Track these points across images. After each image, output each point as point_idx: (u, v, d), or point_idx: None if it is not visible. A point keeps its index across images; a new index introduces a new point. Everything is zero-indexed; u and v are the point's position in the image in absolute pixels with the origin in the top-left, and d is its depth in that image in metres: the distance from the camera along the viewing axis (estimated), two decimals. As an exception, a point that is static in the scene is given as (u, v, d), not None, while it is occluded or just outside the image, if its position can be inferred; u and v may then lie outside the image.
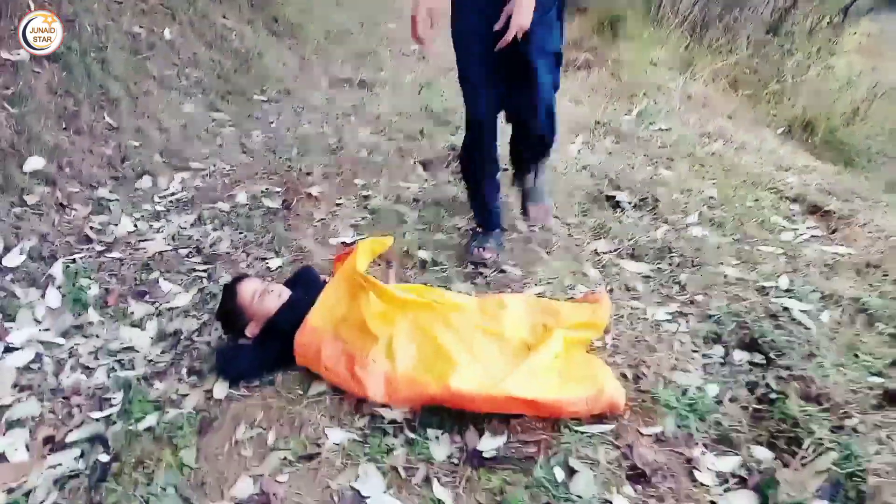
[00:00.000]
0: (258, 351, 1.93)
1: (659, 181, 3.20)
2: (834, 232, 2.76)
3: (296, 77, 4.84)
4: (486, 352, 1.80)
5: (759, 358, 2.08)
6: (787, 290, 2.37)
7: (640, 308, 2.30)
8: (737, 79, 4.83)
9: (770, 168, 3.32)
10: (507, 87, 2.24)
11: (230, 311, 2.00)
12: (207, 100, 3.98)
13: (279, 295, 2.01)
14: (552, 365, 1.76)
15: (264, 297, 1.98)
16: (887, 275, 2.45)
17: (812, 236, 2.74)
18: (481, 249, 2.49)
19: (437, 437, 1.73)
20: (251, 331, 1.99)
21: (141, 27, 3.99)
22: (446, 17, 2.23)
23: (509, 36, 2.00)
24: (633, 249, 2.66)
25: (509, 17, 2.00)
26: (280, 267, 2.49)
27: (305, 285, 2.10)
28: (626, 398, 1.82)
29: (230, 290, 2.03)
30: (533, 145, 2.48)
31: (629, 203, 3.06)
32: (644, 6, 5.27)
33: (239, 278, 2.07)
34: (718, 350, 2.13)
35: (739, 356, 2.09)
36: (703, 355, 2.11)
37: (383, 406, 1.78)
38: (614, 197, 3.10)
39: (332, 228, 2.75)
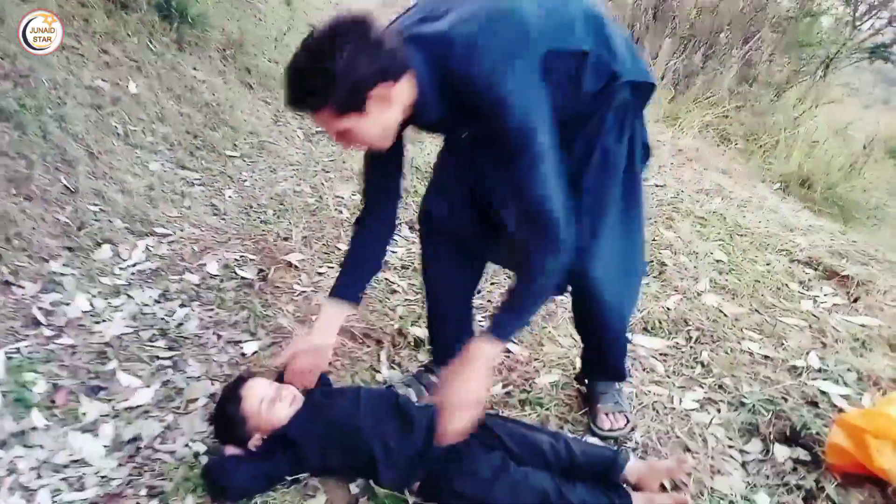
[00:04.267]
0: (265, 464, 1.63)
1: (662, 242, 3.01)
2: (856, 301, 2.59)
3: (270, 131, 4.60)
4: None
5: (802, 454, 1.86)
6: (819, 371, 2.17)
7: (663, 395, 2.07)
8: (726, 131, 4.75)
9: (776, 228, 3.16)
10: None
11: (232, 420, 1.69)
12: (175, 157, 3.71)
13: (291, 401, 1.70)
14: None
15: (275, 404, 1.68)
16: (924, 350, 2.26)
17: (833, 305, 2.56)
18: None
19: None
20: (254, 443, 1.69)
21: (104, 81, 3.72)
22: None
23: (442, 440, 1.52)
24: (646, 322, 2.44)
25: None
26: (256, 352, 2.21)
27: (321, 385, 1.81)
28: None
29: (234, 394, 1.71)
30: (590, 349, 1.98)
31: (633, 267, 2.86)
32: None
33: (244, 379, 1.76)
34: (756, 445, 1.90)
35: (781, 452, 1.87)
36: (741, 451, 1.88)
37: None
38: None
39: (315, 304, 2.48)
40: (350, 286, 1.76)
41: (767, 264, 2.82)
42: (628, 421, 1.90)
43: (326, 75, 1.24)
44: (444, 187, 1.81)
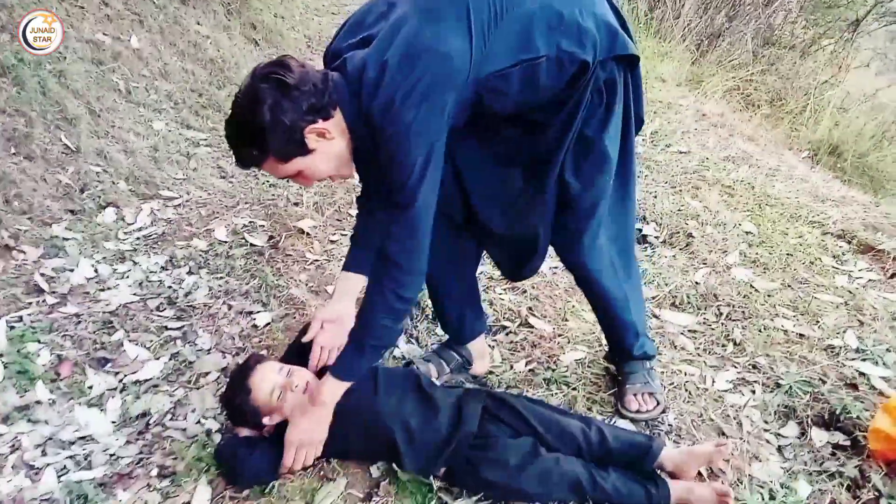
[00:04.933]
0: (280, 451, 1.54)
1: (688, 213, 2.89)
2: (892, 276, 2.47)
3: (277, 89, 4.44)
4: None
5: (841, 438, 1.77)
6: (858, 351, 2.07)
7: (695, 374, 1.98)
8: (751, 96, 4.57)
9: (807, 199, 3.03)
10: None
11: (242, 409, 1.58)
12: (180, 116, 3.57)
13: (305, 387, 1.57)
14: None
15: (287, 392, 1.55)
16: (966, 330, 2.16)
17: (869, 281, 2.45)
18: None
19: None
20: (269, 430, 1.59)
21: (105, 35, 3.56)
22: None
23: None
24: (674, 297, 2.34)
25: None
26: (269, 324, 2.11)
27: None
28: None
29: (243, 384, 1.58)
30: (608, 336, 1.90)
31: (657, 238, 2.75)
32: (644, 19, 4.98)
33: (250, 365, 1.62)
34: (793, 428, 1.82)
35: (819, 437, 1.78)
36: (776, 434, 1.80)
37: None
38: (640, 230, 2.77)
39: (328, 273, 2.38)
40: (362, 260, 1.68)
41: (799, 237, 2.70)
42: (658, 403, 1.81)
43: (256, 129, 1.27)
44: None
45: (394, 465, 1.54)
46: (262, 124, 1.26)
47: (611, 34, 1.37)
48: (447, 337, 1.98)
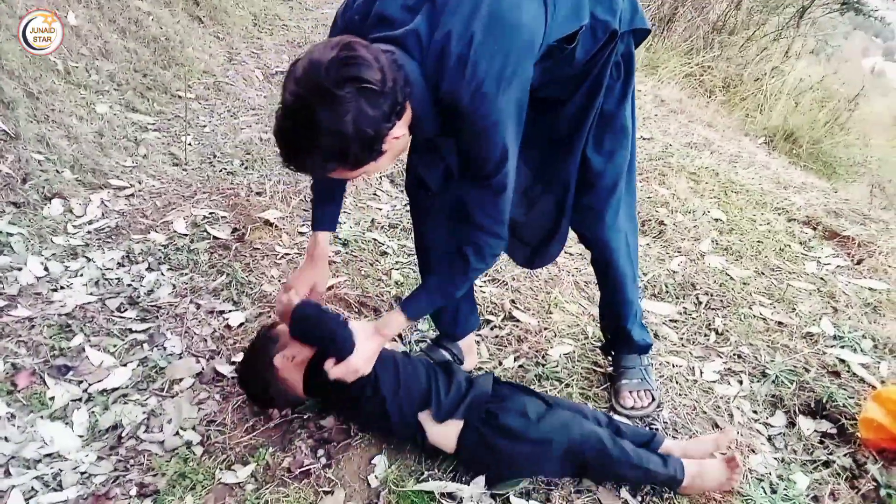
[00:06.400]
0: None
1: (658, 200, 2.89)
2: (859, 263, 2.54)
3: (225, 70, 4.23)
4: None
5: (828, 426, 1.80)
6: (835, 338, 2.11)
7: (683, 365, 1.97)
8: (705, 82, 4.62)
9: (770, 186, 3.09)
10: None
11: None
12: (124, 98, 3.34)
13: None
14: None
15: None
16: (933, 315, 2.24)
17: (837, 267, 2.51)
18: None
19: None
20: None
21: (39, 10, 3.29)
22: None
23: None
24: (653, 286, 2.34)
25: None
26: (244, 324, 1.99)
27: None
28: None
29: (260, 358, 1.58)
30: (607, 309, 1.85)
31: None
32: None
33: (276, 330, 1.61)
34: (780, 418, 1.84)
35: (806, 425, 1.81)
36: (764, 424, 1.82)
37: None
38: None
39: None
40: (329, 215, 1.59)
41: (767, 223, 2.74)
42: (654, 399, 1.79)
43: (334, 141, 1.09)
44: (429, 162, 1.61)
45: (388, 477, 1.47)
46: (344, 137, 1.08)
47: (633, 5, 1.36)
48: (429, 332, 1.91)
